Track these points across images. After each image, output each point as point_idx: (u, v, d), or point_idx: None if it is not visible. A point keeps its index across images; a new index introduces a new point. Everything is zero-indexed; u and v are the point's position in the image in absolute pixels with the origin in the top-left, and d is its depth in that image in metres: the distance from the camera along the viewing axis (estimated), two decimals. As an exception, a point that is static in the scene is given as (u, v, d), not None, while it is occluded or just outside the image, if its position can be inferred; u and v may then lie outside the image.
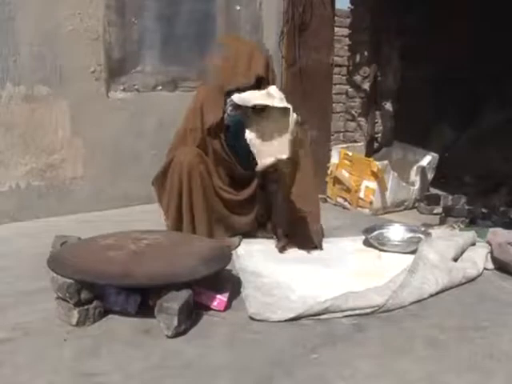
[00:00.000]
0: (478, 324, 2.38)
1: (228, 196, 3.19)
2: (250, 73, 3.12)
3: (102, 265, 2.44)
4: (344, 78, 4.60)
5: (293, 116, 2.80)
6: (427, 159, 4.45)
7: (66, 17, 3.74)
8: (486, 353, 2.14)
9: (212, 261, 2.53)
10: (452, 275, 2.75)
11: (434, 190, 4.51)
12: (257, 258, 3.02)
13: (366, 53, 4.53)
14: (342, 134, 4.68)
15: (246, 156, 3.00)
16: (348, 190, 4.28)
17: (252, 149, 2.87)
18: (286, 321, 2.35)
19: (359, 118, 4.64)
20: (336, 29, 4.51)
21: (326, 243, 3.29)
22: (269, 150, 2.81)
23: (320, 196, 4.48)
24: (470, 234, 3.21)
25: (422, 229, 3.48)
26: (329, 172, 4.43)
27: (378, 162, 4.16)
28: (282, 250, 3.16)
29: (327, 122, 4.64)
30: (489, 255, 3.03)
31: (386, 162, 4.22)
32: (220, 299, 2.43)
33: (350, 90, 4.61)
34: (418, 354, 2.14)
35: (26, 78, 3.65)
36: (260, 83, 3.10)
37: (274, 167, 2.93)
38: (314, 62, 4.63)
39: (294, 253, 3.14)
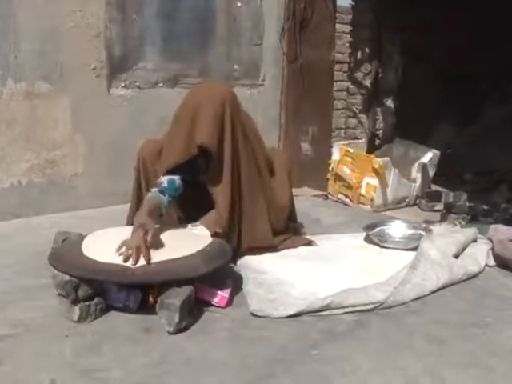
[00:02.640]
0: (479, 320, 2.38)
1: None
2: (191, 143, 2.79)
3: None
4: (345, 74, 4.59)
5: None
6: (428, 156, 4.45)
7: (66, 13, 3.74)
8: (487, 349, 2.14)
9: (213, 257, 2.53)
10: (453, 272, 2.75)
11: (435, 187, 4.51)
12: (258, 255, 3.02)
13: (367, 49, 4.53)
14: (343, 130, 4.67)
15: None
16: (349, 187, 4.28)
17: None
18: (287, 317, 2.35)
19: (360, 115, 4.63)
20: (337, 25, 4.50)
21: (328, 240, 3.30)
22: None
23: (321, 193, 4.53)
24: (471, 231, 3.21)
25: (423, 225, 3.48)
26: (330, 169, 4.43)
27: (379, 159, 4.16)
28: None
29: (328, 118, 4.64)
30: (490, 252, 3.04)
31: (387, 158, 4.22)
32: (221, 295, 2.44)
33: (351, 86, 4.60)
34: (419, 350, 2.14)
35: (26, 74, 3.66)
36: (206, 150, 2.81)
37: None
38: (315, 59, 4.63)
39: (295, 250, 3.14)
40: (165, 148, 2.93)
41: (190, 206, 3.02)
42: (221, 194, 2.86)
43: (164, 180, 2.80)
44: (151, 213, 2.65)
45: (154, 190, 2.78)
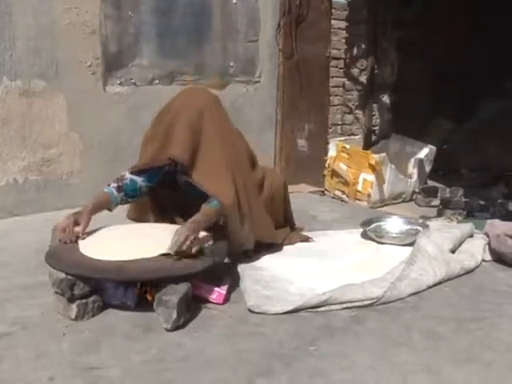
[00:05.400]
0: (476, 315, 2.39)
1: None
2: (164, 153, 2.77)
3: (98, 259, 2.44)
4: (341, 70, 4.58)
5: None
6: (425, 152, 4.46)
7: (62, 11, 3.73)
8: (484, 343, 2.15)
9: (209, 254, 2.53)
10: (450, 267, 2.76)
11: (431, 183, 4.52)
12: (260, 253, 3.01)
13: (363, 45, 4.52)
14: (339, 126, 4.67)
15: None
16: (346, 183, 4.28)
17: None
18: (284, 313, 2.36)
19: (356, 111, 4.63)
20: (333, 21, 4.50)
21: (325, 236, 3.30)
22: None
23: (318, 189, 4.53)
24: (468, 226, 3.22)
25: (420, 221, 3.49)
26: (326, 165, 4.43)
27: (375, 155, 4.16)
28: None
29: (324, 114, 4.64)
30: (486, 247, 3.05)
31: (383, 154, 4.22)
32: (219, 292, 2.44)
33: (347, 82, 4.60)
34: (416, 345, 2.15)
35: (22, 72, 3.64)
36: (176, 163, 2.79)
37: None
38: (311, 55, 4.63)
39: (292, 246, 3.14)
40: (142, 149, 2.95)
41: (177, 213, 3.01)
42: (222, 193, 2.74)
43: (127, 177, 2.81)
44: (95, 208, 2.72)
45: (113, 185, 2.80)
